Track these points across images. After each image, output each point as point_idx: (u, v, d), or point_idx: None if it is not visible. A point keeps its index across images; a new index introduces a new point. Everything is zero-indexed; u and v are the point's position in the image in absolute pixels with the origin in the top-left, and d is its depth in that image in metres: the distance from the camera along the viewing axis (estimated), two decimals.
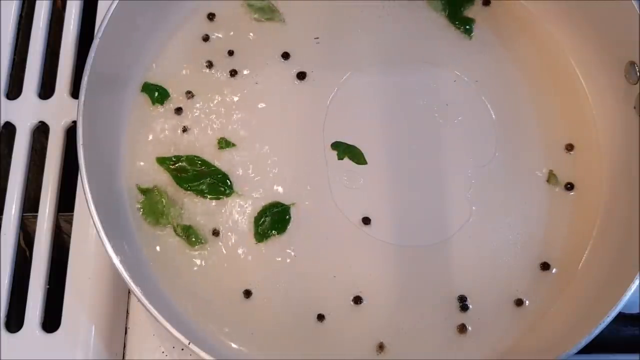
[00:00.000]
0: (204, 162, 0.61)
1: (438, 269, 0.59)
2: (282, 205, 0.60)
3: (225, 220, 0.60)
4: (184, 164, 0.61)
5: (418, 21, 0.67)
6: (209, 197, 0.60)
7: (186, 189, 0.60)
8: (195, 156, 0.61)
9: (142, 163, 0.61)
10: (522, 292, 0.59)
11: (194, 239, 0.58)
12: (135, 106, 0.63)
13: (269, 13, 0.66)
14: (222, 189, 0.60)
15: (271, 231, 0.59)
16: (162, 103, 0.63)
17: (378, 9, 0.67)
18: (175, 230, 0.59)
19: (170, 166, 0.61)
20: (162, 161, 0.61)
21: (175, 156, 0.61)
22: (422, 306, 0.58)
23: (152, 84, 0.63)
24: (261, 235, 0.59)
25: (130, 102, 0.63)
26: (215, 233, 0.59)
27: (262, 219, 0.59)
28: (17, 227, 0.61)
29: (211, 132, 0.63)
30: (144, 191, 0.60)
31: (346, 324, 0.57)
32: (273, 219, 0.59)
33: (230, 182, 0.61)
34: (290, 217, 0.60)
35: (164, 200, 0.59)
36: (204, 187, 0.60)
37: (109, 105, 0.61)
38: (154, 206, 0.59)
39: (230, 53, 0.65)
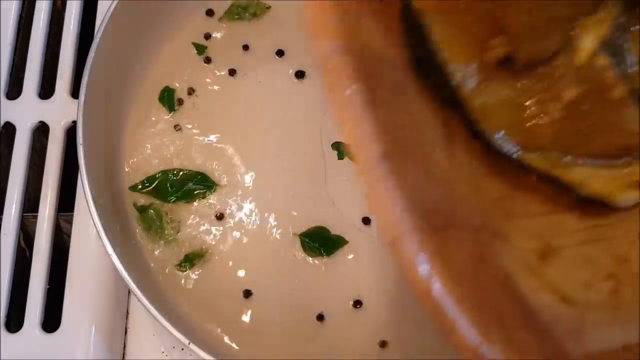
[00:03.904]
0: (179, 170, 0.61)
1: None
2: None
3: (225, 221, 0.60)
4: (159, 180, 0.60)
5: None
6: (196, 200, 0.60)
7: (172, 202, 0.60)
8: (168, 170, 0.61)
9: (142, 161, 0.61)
10: None
11: (194, 261, 0.58)
12: (136, 105, 0.63)
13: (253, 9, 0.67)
14: (204, 186, 0.60)
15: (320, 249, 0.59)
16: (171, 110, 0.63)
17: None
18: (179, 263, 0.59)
19: (145, 189, 0.60)
20: (134, 188, 0.60)
21: (147, 178, 0.61)
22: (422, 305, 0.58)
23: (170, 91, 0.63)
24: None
25: (130, 102, 0.63)
26: (219, 222, 0.59)
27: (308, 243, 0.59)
28: (17, 227, 0.61)
29: (209, 130, 0.62)
30: (140, 209, 0.59)
31: (347, 324, 0.57)
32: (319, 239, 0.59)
33: (210, 179, 0.60)
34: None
35: (159, 221, 0.59)
36: (186, 192, 0.60)
37: (109, 104, 0.61)
38: (151, 224, 0.59)
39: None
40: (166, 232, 0.59)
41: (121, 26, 0.60)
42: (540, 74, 0.36)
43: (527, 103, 0.36)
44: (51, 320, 0.58)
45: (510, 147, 0.36)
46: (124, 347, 0.60)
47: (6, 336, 0.57)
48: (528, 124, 0.36)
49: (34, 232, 0.60)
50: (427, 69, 0.36)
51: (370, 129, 0.32)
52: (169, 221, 0.59)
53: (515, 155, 0.36)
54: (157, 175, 0.60)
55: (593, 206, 0.38)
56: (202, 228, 0.59)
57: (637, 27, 0.38)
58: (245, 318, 0.57)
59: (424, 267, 0.33)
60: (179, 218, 0.59)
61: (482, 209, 0.36)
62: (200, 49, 0.65)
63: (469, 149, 0.37)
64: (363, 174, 0.32)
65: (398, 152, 0.33)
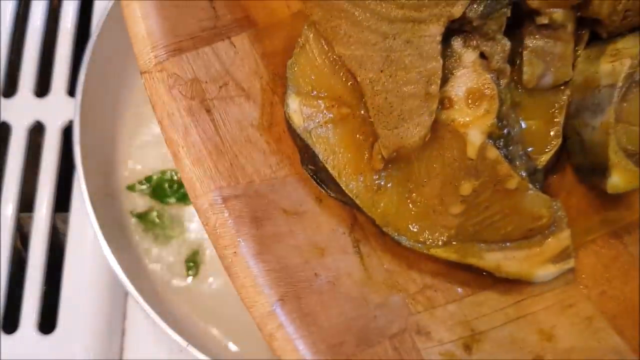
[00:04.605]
0: (177, 171, 0.60)
1: None
2: None
3: None
4: (158, 180, 0.60)
5: None
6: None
7: (167, 203, 0.59)
8: (166, 170, 0.61)
9: (139, 162, 0.61)
10: None
11: (192, 263, 0.58)
12: (133, 104, 0.62)
13: None
14: None
15: None
16: None
17: None
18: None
19: (143, 189, 0.60)
20: (132, 188, 0.60)
21: (146, 177, 0.60)
22: None
23: None
24: None
25: (127, 100, 0.62)
26: None
27: None
28: (13, 227, 0.60)
29: None
30: (140, 216, 0.59)
31: None
32: None
33: None
34: None
35: (161, 223, 0.59)
36: (185, 194, 0.59)
37: (106, 103, 0.60)
38: (155, 228, 0.59)
39: None
40: (165, 234, 0.58)
41: (118, 24, 0.59)
42: (432, 173, 0.36)
43: (426, 202, 0.36)
44: (47, 322, 0.58)
45: (417, 244, 0.37)
46: (122, 349, 0.59)
47: (2, 338, 0.57)
48: (430, 222, 0.37)
49: (29, 232, 0.60)
50: (324, 181, 0.36)
51: (262, 280, 0.32)
52: (169, 223, 0.59)
53: (424, 251, 0.37)
54: (155, 176, 0.60)
55: (515, 281, 0.38)
56: (200, 229, 0.59)
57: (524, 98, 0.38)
58: (244, 319, 0.57)
59: None
60: (178, 220, 0.59)
61: (402, 309, 0.36)
62: None
63: (381, 247, 0.37)
64: (261, 326, 0.32)
65: (295, 292, 0.33)
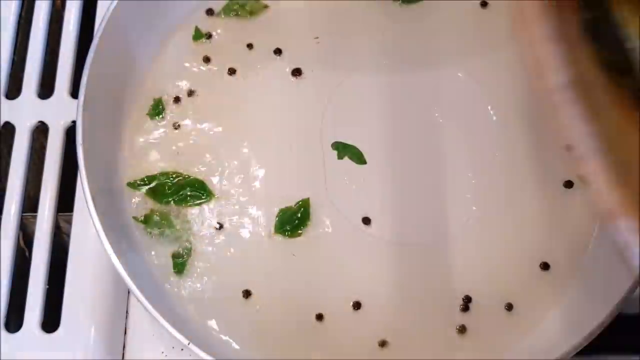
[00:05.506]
0: (178, 174, 0.61)
1: (438, 269, 0.59)
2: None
3: (225, 222, 0.60)
4: (158, 181, 0.60)
5: (419, 21, 0.67)
6: (190, 204, 0.60)
7: (166, 203, 0.60)
8: (168, 173, 0.61)
9: (142, 162, 0.61)
10: (521, 292, 0.58)
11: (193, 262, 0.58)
12: (135, 105, 0.63)
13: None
14: (200, 193, 0.60)
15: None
16: (153, 117, 0.63)
17: (379, 8, 0.67)
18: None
19: (144, 186, 0.60)
20: (133, 185, 0.60)
21: (147, 177, 0.61)
22: (422, 306, 0.58)
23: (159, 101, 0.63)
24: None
25: (130, 101, 0.63)
26: (220, 226, 0.59)
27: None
28: (16, 227, 0.61)
29: (208, 130, 0.62)
30: (142, 217, 0.59)
31: (346, 323, 0.57)
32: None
33: (207, 187, 0.60)
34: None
35: (165, 222, 0.59)
36: (182, 197, 0.60)
37: (108, 104, 0.61)
38: (156, 228, 0.59)
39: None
40: (167, 233, 0.59)
41: (121, 25, 0.60)
42: None
43: None
44: (51, 321, 0.58)
45: None
46: (124, 347, 0.60)
47: (5, 336, 0.57)
48: None
49: (33, 232, 0.60)
50: (600, 29, 0.35)
51: (557, 61, 0.33)
52: (170, 223, 0.59)
53: None
54: (156, 176, 0.60)
55: None
56: (202, 229, 0.59)
57: None
58: (245, 318, 0.57)
59: None
60: (179, 220, 0.59)
61: None
62: (198, 34, 0.65)
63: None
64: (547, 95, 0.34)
65: (580, 86, 0.34)
